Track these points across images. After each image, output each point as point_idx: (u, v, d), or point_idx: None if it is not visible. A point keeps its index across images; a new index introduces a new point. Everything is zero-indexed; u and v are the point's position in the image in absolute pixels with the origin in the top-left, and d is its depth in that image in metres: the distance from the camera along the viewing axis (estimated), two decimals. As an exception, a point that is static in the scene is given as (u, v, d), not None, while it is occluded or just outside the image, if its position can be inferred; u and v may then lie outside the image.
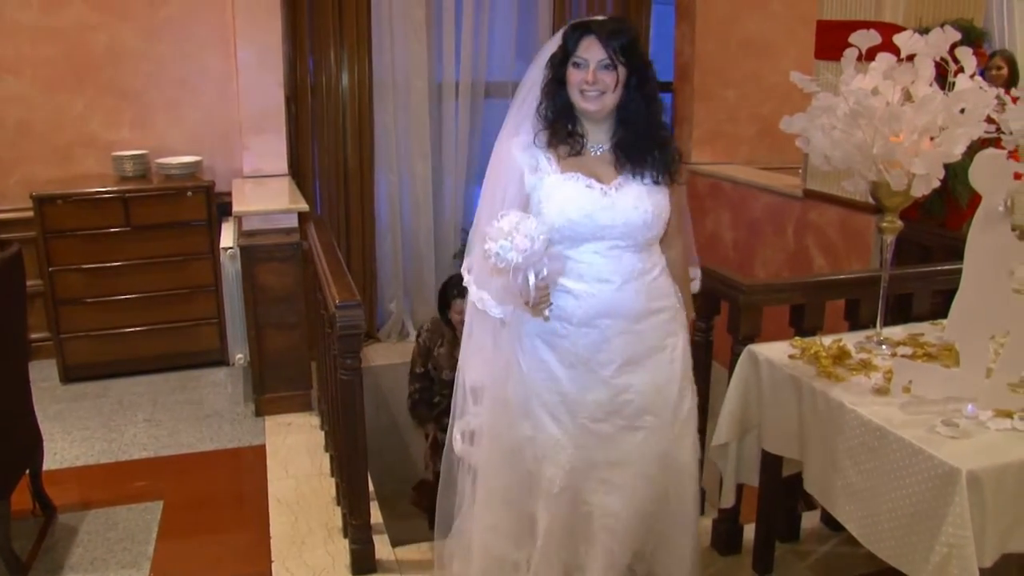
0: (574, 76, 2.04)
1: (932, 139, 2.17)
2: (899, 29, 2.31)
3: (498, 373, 2.20)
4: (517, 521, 2.24)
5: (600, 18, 2.08)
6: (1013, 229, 2.03)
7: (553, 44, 2.10)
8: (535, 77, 2.13)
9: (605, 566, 2.16)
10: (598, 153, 2.11)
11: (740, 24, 5.37)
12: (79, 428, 3.90)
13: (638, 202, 2.06)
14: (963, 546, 1.77)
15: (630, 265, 2.08)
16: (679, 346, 2.17)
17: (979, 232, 1.98)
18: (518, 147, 2.11)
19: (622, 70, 2.02)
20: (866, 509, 2.04)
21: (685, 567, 2.27)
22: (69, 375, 4.38)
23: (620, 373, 2.10)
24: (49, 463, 3.34)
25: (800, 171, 4.38)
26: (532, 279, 1.93)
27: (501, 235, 1.88)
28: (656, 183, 2.09)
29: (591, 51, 2.01)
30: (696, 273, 2.37)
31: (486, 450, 2.24)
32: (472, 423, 2.26)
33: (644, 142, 2.09)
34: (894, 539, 1.96)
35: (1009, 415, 1.99)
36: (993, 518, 1.80)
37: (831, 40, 3.82)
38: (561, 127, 2.10)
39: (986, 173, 1.94)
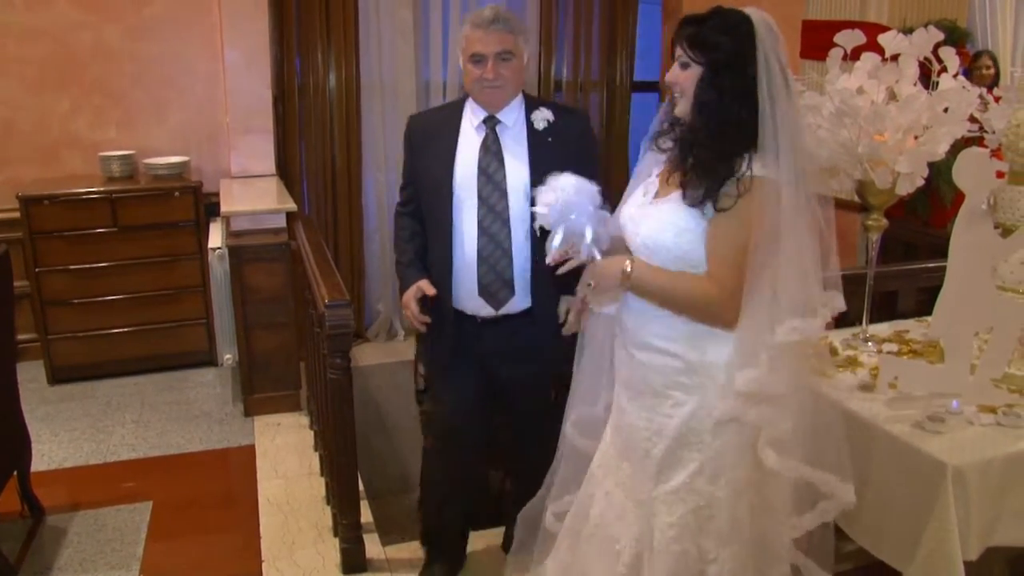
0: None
1: (916, 138, 2.20)
2: (884, 29, 2.33)
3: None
4: None
5: (708, 10, 1.75)
6: (996, 227, 2.07)
7: None
8: None
9: None
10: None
11: (726, 23, 5.36)
12: (67, 429, 3.88)
13: (652, 222, 1.78)
14: (948, 540, 1.79)
15: None
16: (686, 407, 1.78)
17: (963, 230, 2.00)
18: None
19: (696, 68, 1.71)
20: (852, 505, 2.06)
21: None
22: (57, 376, 4.36)
23: (621, 391, 1.92)
24: (37, 464, 3.33)
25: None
26: (559, 236, 1.82)
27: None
28: (693, 205, 1.71)
29: (677, 45, 1.75)
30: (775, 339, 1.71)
31: None
32: (591, 413, 2.07)
33: (697, 151, 1.72)
34: (880, 534, 1.98)
35: (993, 410, 2.02)
36: (977, 512, 1.82)
37: (816, 40, 3.86)
38: (665, 132, 1.86)
39: (969, 171, 1.96)
